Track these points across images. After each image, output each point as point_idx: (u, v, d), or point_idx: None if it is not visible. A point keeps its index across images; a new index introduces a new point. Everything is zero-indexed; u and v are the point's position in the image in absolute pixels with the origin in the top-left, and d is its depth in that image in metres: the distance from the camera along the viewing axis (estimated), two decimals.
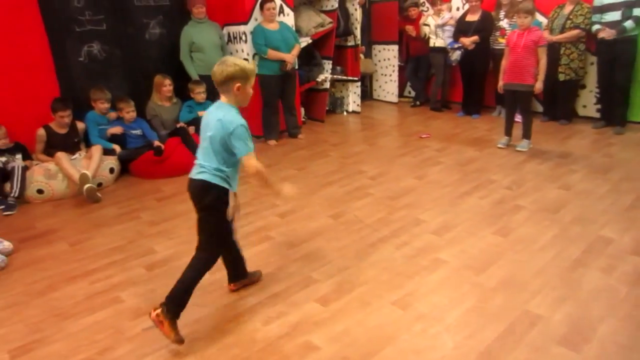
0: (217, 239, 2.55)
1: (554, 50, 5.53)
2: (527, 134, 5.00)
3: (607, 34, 5.16)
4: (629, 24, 5.07)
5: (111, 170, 4.70)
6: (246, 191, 4.35)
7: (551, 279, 2.70)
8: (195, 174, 2.46)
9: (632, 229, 3.23)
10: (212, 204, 2.44)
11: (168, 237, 3.54)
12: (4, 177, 4.23)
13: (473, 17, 6.25)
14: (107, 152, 4.71)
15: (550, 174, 4.30)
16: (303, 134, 6.17)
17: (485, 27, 6.17)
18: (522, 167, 4.52)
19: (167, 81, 5.20)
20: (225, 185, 2.44)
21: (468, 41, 6.24)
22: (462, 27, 6.35)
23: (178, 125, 5.18)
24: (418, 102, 7.61)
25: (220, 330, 2.47)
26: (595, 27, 5.32)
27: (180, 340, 2.30)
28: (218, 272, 2.96)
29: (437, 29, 6.77)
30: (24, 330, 2.56)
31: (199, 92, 5.36)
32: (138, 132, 5.01)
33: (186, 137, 5.00)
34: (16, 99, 4.68)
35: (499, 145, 5.13)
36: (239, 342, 2.37)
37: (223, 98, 2.45)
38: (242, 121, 2.36)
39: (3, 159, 4.32)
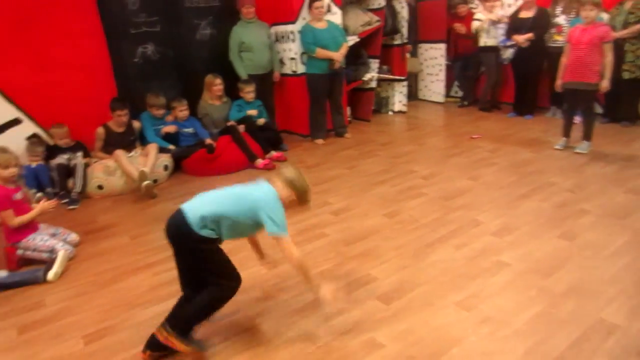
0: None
1: (617, 48, 5.28)
2: (587, 136, 4.81)
3: None
4: None
5: (165, 168, 4.81)
6: None
7: (627, 287, 2.57)
8: None
9: None
10: None
11: None
12: (68, 174, 4.41)
13: (527, 14, 6.07)
14: (161, 149, 4.82)
15: (616, 177, 4.11)
16: (350, 134, 6.15)
17: (541, 24, 5.98)
18: (584, 169, 4.35)
19: (218, 80, 5.28)
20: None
21: (522, 39, 6.07)
22: (515, 24, 6.17)
23: (228, 124, 5.25)
24: (466, 103, 7.48)
25: (283, 324, 2.48)
26: None
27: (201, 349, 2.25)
28: (277, 268, 3.00)
29: (489, 26, 6.60)
30: (95, 317, 2.65)
31: (248, 92, 5.42)
32: (190, 130, 5.11)
33: (237, 135, 5.07)
34: (76, 99, 4.86)
35: (557, 147, 4.96)
36: (303, 337, 2.37)
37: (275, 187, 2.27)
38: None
39: (66, 156, 4.50)
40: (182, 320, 2.25)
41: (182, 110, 5.05)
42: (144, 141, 4.92)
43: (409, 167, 4.78)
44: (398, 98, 7.41)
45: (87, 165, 4.48)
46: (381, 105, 7.56)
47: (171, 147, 4.95)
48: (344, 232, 3.46)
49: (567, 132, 4.97)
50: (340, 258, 3.10)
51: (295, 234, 3.46)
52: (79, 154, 4.55)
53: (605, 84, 4.52)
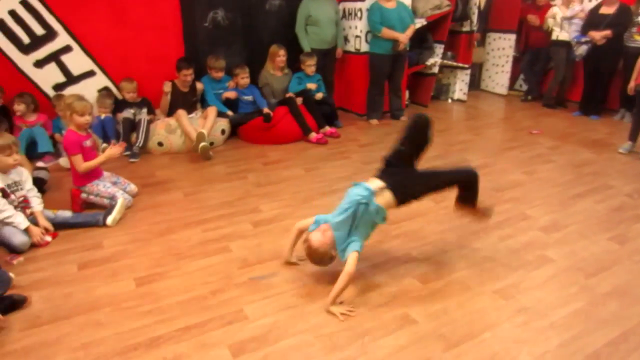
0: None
1: None
2: None
3: None
4: None
5: (222, 132, 4.98)
6: (346, 165, 4.44)
7: None
8: None
9: None
10: None
11: (273, 199, 3.71)
12: (132, 128, 4.65)
13: (608, 10, 5.78)
14: (220, 114, 4.98)
15: None
16: (406, 117, 6.12)
17: (621, 21, 5.68)
18: None
19: (282, 51, 5.37)
20: None
21: (598, 35, 5.80)
22: (593, 20, 5.90)
23: (287, 96, 5.35)
24: (530, 97, 7.24)
25: (320, 291, 2.56)
26: None
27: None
28: None
29: (563, 21, 6.36)
30: (147, 263, 2.84)
31: (310, 65, 5.48)
32: (250, 98, 5.25)
33: (294, 107, 5.16)
34: (146, 57, 5.09)
35: (621, 151, 4.77)
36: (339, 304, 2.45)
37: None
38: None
39: (132, 111, 4.74)
40: None
41: (243, 77, 5.18)
42: (204, 104, 5.09)
43: (463, 156, 4.73)
44: (459, 86, 7.28)
45: (150, 122, 4.70)
46: (441, 91, 7.45)
47: (229, 112, 5.11)
48: (390, 212, 3.49)
49: (634, 137, 4.76)
50: (382, 236, 3.15)
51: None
52: (144, 110, 4.78)
53: None
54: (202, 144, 4.46)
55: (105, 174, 3.66)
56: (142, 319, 2.33)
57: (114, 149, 3.50)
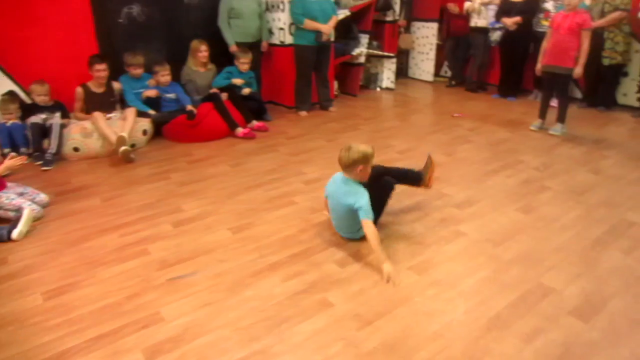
0: None
1: (596, 36, 5.35)
2: (561, 118, 4.90)
3: None
4: None
5: (144, 132, 4.84)
6: (274, 158, 4.44)
7: (569, 256, 2.71)
8: None
9: None
10: None
11: (196, 198, 3.66)
12: (43, 134, 4.42)
13: None
14: (141, 114, 4.84)
15: (582, 158, 4.22)
16: (335, 107, 6.19)
17: (530, 8, 6.00)
18: (554, 150, 4.45)
19: (204, 47, 5.28)
20: None
21: (510, 22, 6.08)
22: (505, 7, 6.18)
23: (211, 91, 5.28)
24: (454, 83, 7.50)
25: (240, 284, 2.57)
26: None
27: None
28: (241, 232, 3.09)
29: (480, 6, 6.60)
30: (58, 274, 2.71)
31: (244, 62, 5.42)
32: (172, 95, 5.13)
33: (219, 103, 5.10)
34: (56, 57, 4.83)
35: (532, 128, 5.05)
36: (258, 296, 2.47)
37: (346, 174, 2.85)
38: (366, 196, 2.73)
39: (43, 115, 4.48)
40: None
41: (164, 75, 5.06)
42: (125, 105, 4.93)
43: (388, 142, 4.84)
44: (387, 75, 7.43)
45: (64, 126, 4.48)
46: (370, 81, 7.58)
47: (151, 111, 4.97)
48: (312, 201, 3.54)
49: (543, 114, 5.05)
50: (304, 224, 3.19)
51: (265, 200, 3.56)
52: (57, 114, 4.54)
53: (578, 70, 4.60)
54: (123, 147, 4.32)
55: (10, 184, 3.43)
56: (50, 333, 2.23)
57: (12, 161, 3.31)
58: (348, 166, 2.78)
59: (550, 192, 3.53)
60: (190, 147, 4.82)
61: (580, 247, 2.81)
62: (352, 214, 2.74)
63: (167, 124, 5.02)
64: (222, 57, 5.53)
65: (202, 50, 5.28)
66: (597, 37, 5.36)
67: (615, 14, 5.29)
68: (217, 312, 2.35)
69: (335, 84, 6.80)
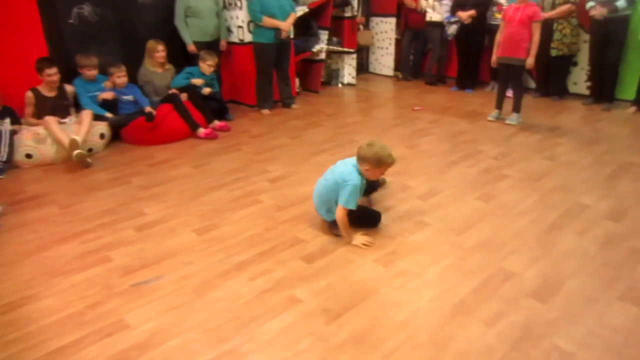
0: None
1: (546, 27, 5.54)
2: (517, 108, 5.05)
3: (598, 12, 5.18)
4: (621, 3, 5.08)
5: (102, 136, 4.72)
6: (237, 158, 4.41)
7: (527, 240, 2.81)
8: None
9: (609, 196, 3.34)
10: None
11: (159, 201, 3.59)
12: None
13: None
14: (97, 117, 4.71)
15: (537, 145, 4.37)
16: (297, 104, 6.18)
17: (483, 1, 6.15)
18: (511, 139, 4.59)
19: (160, 47, 5.18)
20: None
21: (465, 15, 6.21)
22: (460, 1, 6.31)
23: (170, 92, 5.19)
24: (409, 77, 7.60)
25: (206, 285, 2.55)
26: (589, 4, 5.32)
27: None
28: (207, 233, 3.06)
29: (435, 1, 6.73)
30: (14, 287, 2.60)
31: (211, 65, 5.34)
32: (130, 97, 5.02)
33: (178, 104, 5.02)
34: (4, 61, 4.64)
35: (490, 118, 5.18)
36: (225, 296, 2.45)
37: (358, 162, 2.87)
38: (356, 188, 2.80)
39: None
40: None
41: (120, 76, 4.93)
42: (80, 108, 4.79)
43: (351, 137, 4.87)
44: (348, 70, 7.47)
45: (14, 133, 4.30)
46: (331, 77, 7.61)
47: (108, 114, 4.84)
48: (278, 199, 3.53)
49: (499, 105, 5.19)
50: (270, 223, 3.18)
51: (230, 200, 3.53)
52: (7, 120, 4.35)
53: (530, 61, 4.75)
54: (77, 151, 4.19)
55: None
56: (7, 349, 2.14)
57: None
58: (358, 159, 2.84)
59: (508, 180, 3.64)
60: (151, 149, 4.73)
61: (537, 231, 2.91)
62: (334, 192, 2.84)
63: (125, 127, 4.90)
64: (180, 57, 5.44)
65: (159, 50, 5.18)
66: (547, 28, 5.55)
67: (565, 7, 5.48)
68: (184, 315, 2.32)
69: (297, 81, 6.79)
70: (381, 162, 2.77)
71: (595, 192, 3.42)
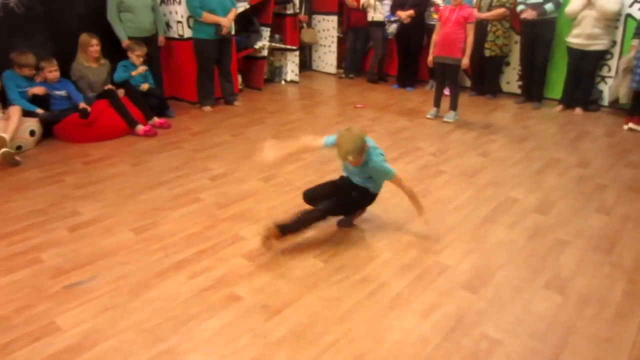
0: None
1: (481, 27, 5.80)
2: (454, 106, 5.24)
3: (529, 14, 5.45)
4: (549, 6, 5.37)
5: (32, 133, 4.48)
6: (177, 155, 4.32)
7: (462, 234, 2.93)
8: None
9: (537, 190, 3.54)
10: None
11: (94, 200, 3.47)
12: None
13: None
14: (27, 113, 4.47)
15: (473, 142, 4.56)
16: (240, 102, 6.12)
17: (422, 1, 6.32)
18: (448, 136, 4.76)
19: (94, 41, 4.98)
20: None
21: (404, 15, 6.36)
22: (399, 1, 6.46)
23: (106, 88, 5.00)
24: (352, 75, 7.70)
25: (144, 285, 2.49)
26: (520, 7, 5.59)
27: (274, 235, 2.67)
28: (145, 232, 2.99)
29: (376, 1, 6.84)
30: None
31: (139, 55, 5.17)
32: (63, 93, 4.79)
33: (115, 100, 4.85)
34: None
35: (428, 116, 5.35)
36: (163, 296, 2.40)
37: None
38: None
39: None
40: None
41: (51, 70, 4.69)
42: (7, 103, 4.52)
43: (293, 134, 4.88)
44: (291, 68, 7.47)
45: None
46: (274, 74, 7.58)
47: (39, 110, 4.60)
48: (219, 197, 3.50)
49: (437, 103, 5.37)
50: (211, 221, 3.14)
51: (169, 199, 3.46)
52: None
53: (465, 61, 4.94)
54: (3, 149, 3.97)
55: None
56: None
57: None
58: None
59: (445, 176, 3.78)
60: (86, 147, 4.55)
61: (471, 225, 3.04)
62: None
63: (58, 124, 4.68)
64: (116, 51, 5.24)
65: (93, 44, 4.97)
66: (482, 29, 5.81)
67: (500, 10, 5.73)
68: (119, 316, 2.26)
69: (239, 78, 6.72)
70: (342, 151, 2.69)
71: (525, 186, 3.61)
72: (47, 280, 2.54)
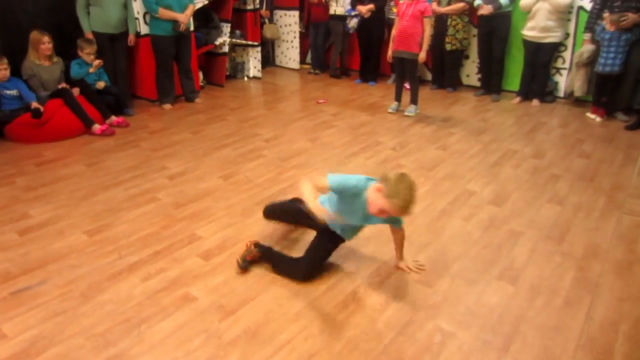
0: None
1: (442, 21, 5.87)
2: (414, 100, 5.28)
3: (485, 10, 5.54)
4: (504, 1, 5.47)
5: None
6: (135, 154, 4.22)
7: (418, 228, 2.95)
8: None
9: (493, 182, 3.61)
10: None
11: (46, 202, 3.36)
12: None
13: None
14: None
15: (432, 136, 4.61)
16: (201, 99, 6.02)
17: None
18: (408, 130, 4.80)
19: (46, 38, 4.79)
20: None
21: (365, 9, 6.37)
22: None
23: (60, 86, 4.84)
24: (317, 71, 7.69)
25: (95, 288, 2.43)
26: (477, 2, 5.68)
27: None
28: (98, 234, 2.91)
29: None
30: None
31: (89, 53, 5.01)
32: (14, 92, 4.61)
33: (69, 99, 4.70)
34: None
35: (389, 111, 5.38)
36: (115, 299, 2.35)
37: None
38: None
39: None
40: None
41: (1, 69, 4.51)
42: None
43: (254, 131, 4.84)
44: (253, 64, 7.39)
45: None
46: (237, 70, 7.48)
47: None
48: (176, 196, 3.43)
49: (398, 97, 5.42)
50: (167, 221, 3.09)
51: (125, 199, 3.39)
52: None
53: (422, 55, 4.97)
54: None
55: None
56: None
57: None
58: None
59: (404, 170, 3.78)
60: (39, 147, 4.40)
61: (428, 219, 3.08)
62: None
63: (9, 124, 4.51)
64: (69, 48, 5.08)
65: (44, 42, 4.78)
66: (442, 23, 5.87)
67: (459, 5, 5.80)
68: (68, 321, 2.20)
69: (201, 75, 6.61)
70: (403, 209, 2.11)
71: (481, 179, 3.68)
72: None
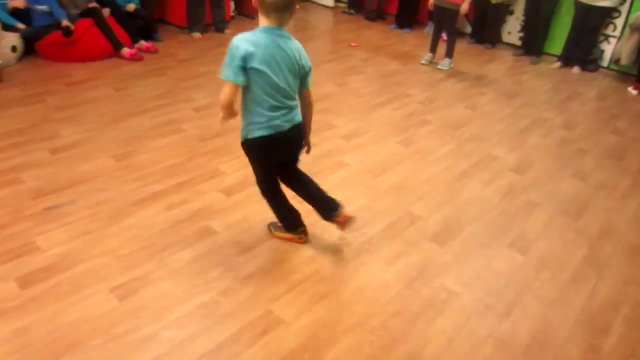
0: None
1: None
2: (449, 53, 5.14)
3: None
4: None
5: (13, 49, 4.33)
6: (162, 83, 4.24)
7: (437, 186, 2.98)
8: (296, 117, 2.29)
9: (518, 149, 3.57)
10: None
11: (76, 123, 3.43)
12: None
13: None
14: (7, 27, 4.30)
15: (462, 93, 4.52)
16: (230, 29, 5.93)
17: None
18: (439, 84, 4.71)
19: None
20: None
21: None
22: None
23: (90, 5, 4.79)
24: (352, 11, 7.46)
25: (121, 212, 2.53)
26: None
27: None
28: (125, 160, 3.00)
29: None
30: None
31: None
32: (44, 8, 4.57)
33: (99, 19, 4.66)
34: None
35: (422, 62, 5.25)
36: (140, 224, 2.46)
37: (283, 25, 2.02)
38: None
39: None
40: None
41: None
42: None
43: None
44: None
45: None
46: None
47: (20, 25, 4.43)
48: (202, 129, 3.48)
49: (433, 48, 5.26)
50: (191, 153, 3.15)
51: (151, 127, 3.45)
52: None
53: (464, 6, 4.77)
54: None
55: None
56: None
57: None
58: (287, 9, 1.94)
59: (430, 126, 3.78)
60: (69, 67, 4.43)
61: (448, 178, 3.09)
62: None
63: (40, 41, 4.52)
64: None
65: None
66: None
67: None
68: (96, 241, 2.32)
69: (232, 5, 6.46)
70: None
71: (507, 144, 3.63)
72: (28, 201, 2.57)
